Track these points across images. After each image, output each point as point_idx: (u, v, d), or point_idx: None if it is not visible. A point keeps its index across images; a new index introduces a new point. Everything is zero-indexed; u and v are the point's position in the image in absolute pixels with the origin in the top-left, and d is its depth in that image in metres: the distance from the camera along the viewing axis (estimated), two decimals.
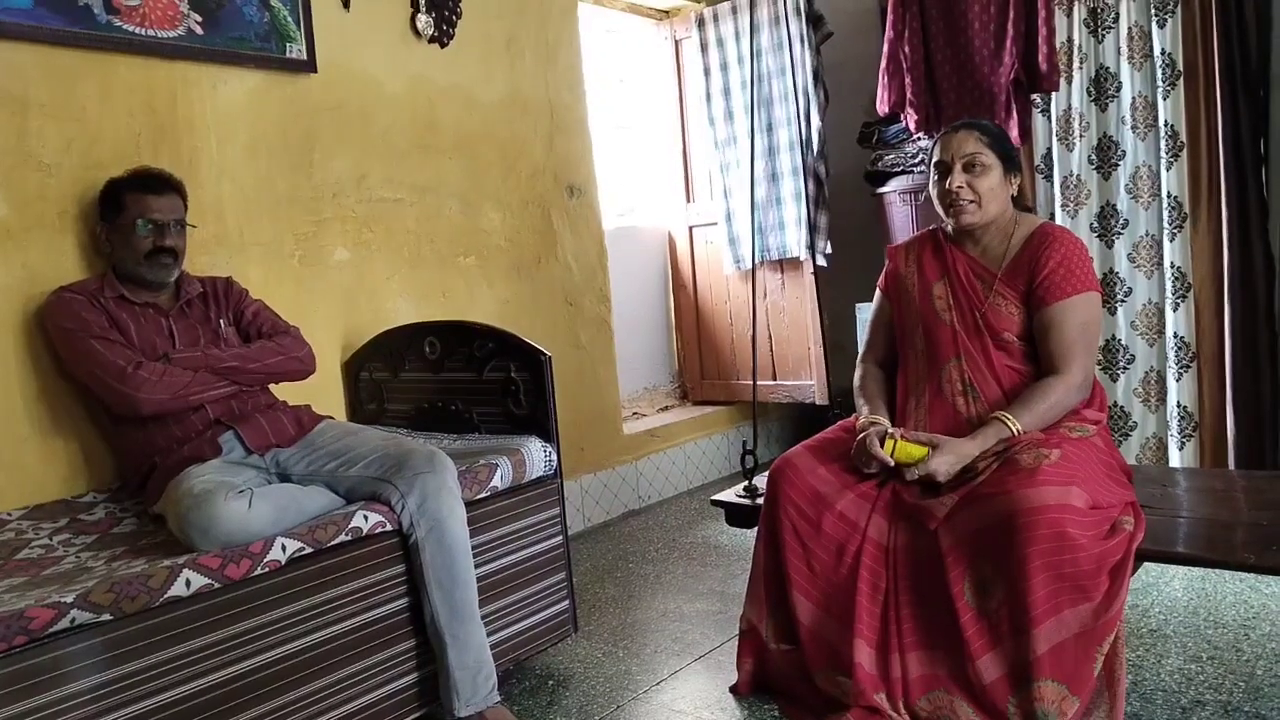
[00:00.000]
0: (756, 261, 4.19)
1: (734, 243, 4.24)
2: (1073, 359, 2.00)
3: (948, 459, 1.91)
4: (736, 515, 2.61)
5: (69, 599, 1.51)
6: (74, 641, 1.51)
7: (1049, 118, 3.40)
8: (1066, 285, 2.02)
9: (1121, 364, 3.33)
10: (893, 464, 1.96)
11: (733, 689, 2.17)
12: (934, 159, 2.13)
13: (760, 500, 2.18)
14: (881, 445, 1.97)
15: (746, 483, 2.66)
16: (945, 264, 2.16)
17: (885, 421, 2.09)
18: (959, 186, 2.06)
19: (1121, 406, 3.34)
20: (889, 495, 1.99)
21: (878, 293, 2.32)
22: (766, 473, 2.16)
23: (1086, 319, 2.03)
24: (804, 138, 3.86)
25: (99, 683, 1.54)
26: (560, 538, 2.39)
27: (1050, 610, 1.73)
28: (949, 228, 2.17)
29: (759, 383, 4.31)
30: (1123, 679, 1.75)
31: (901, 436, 1.98)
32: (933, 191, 2.15)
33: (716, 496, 2.69)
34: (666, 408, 4.50)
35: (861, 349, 2.34)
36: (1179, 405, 3.20)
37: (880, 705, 1.86)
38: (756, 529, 2.15)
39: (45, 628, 1.47)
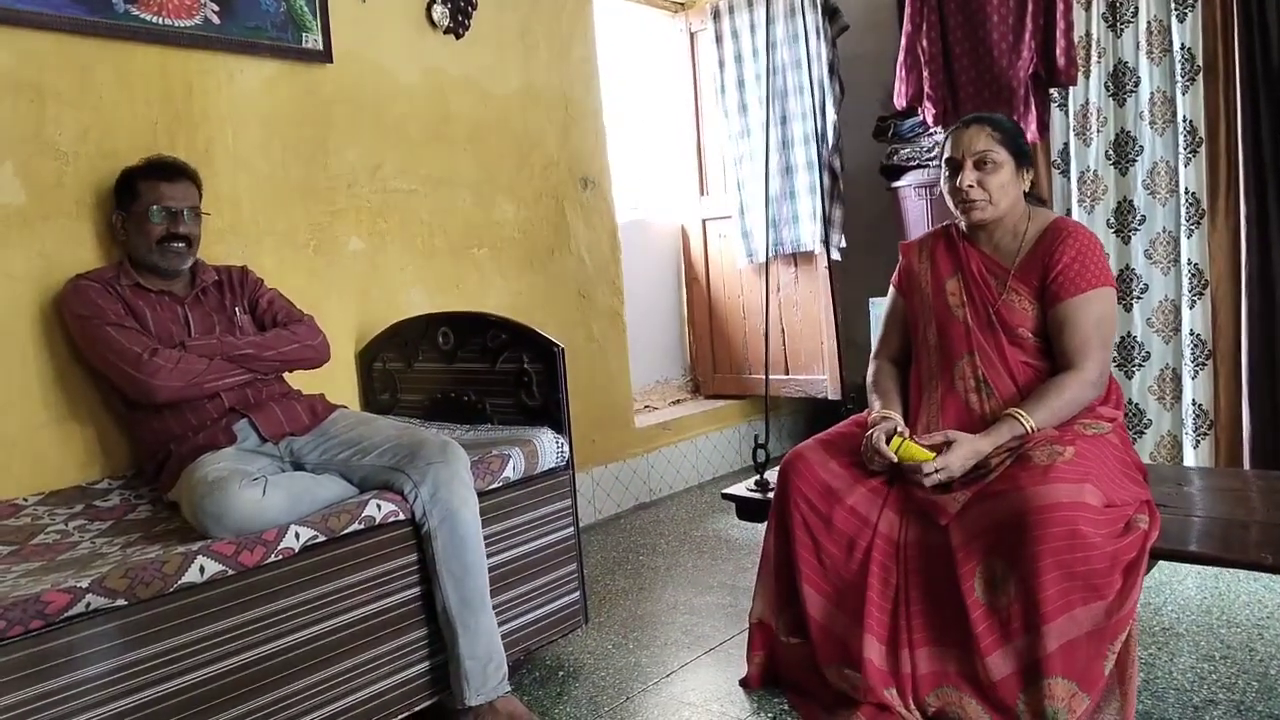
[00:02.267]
0: (771, 255, 4.18)
1: (748, 236, 4.23)
2: (1088, 355, 1.99)
3: (961, 453, 1.90)
4: (747, 509, 2.62)
5: (84, 584, 1.52)
6: (89, 626, 1.52)
7: (1066, 112, 3.38)
8: (1081, 280, 2.00)
9: (1137, 361, 3.31)
10: (896, 460, 1.95)
11: (743, 682, 2.17)
12: (945, 155, 2.11)
13: (771, 494, 2.17)
14: (888, 443, 1.96)
15: (758, 476, 2.67)
16: (958, 260, 2.14)
17: (897, 417, 2.07)
18: (969, 185, 2.04)
19: (1136, 404, 3.32)
20: (900, 490, 1.98)
21: (891, 289, 2.31)
22: (777, 466, 2.16)
23: (1101, 314, 2.01)
24: (819, 131, 3.84)
25: (113, 667, 1.55)
26: (571, 529, 2.39)
27: (1062, 608, 1.72)
28: (962, 224, 2.15)
29: (771, 377, 4.31)
30: (1134, 677, 1.74)
31: (913, 437, 1.96)
32: (944, 188, 2.13)
33: (728, 490, 2.70)
34: (678, 401, 4.51)
35: (875, 345, 2.33)
36: (1194, 403, 3.18)
37: (890, 701, 1.85)
38: (767, 522, 2.15)
39: (60, 612, 1.48)
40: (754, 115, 4.13)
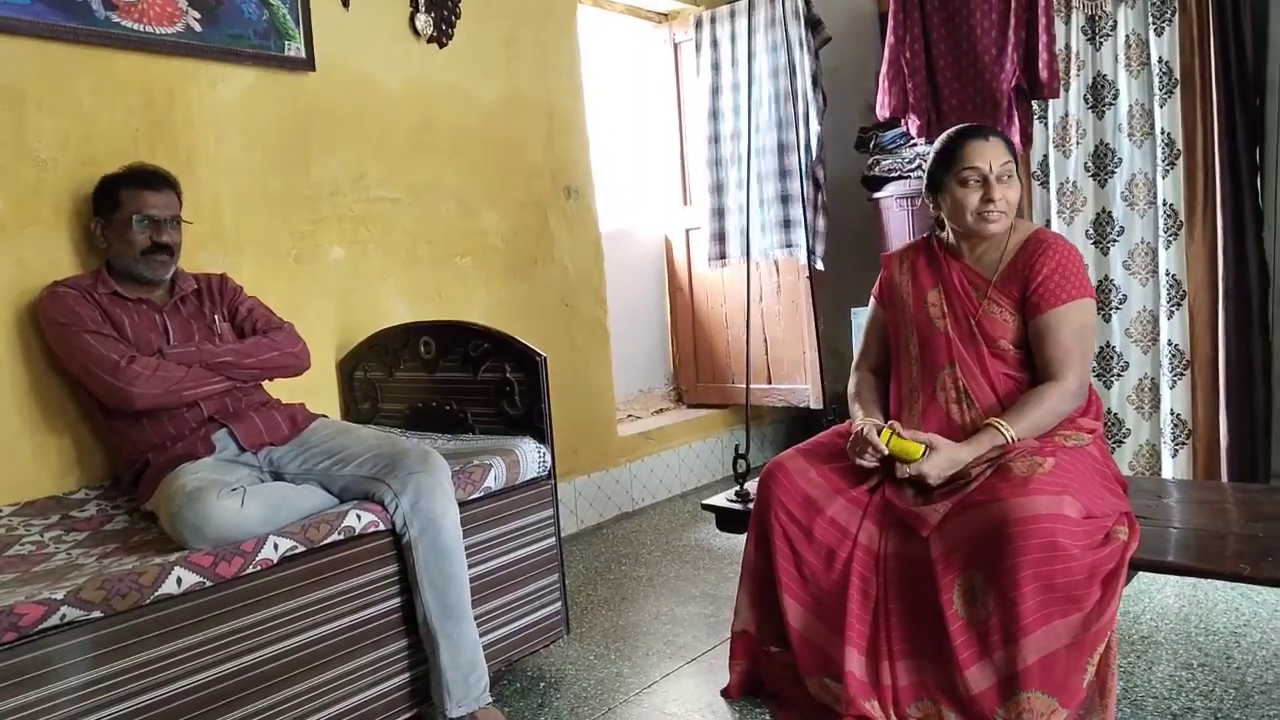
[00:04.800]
0: (752, 264, 4.18)
1: (725, 240, 4.21)
2: (1069, 366, 2.00)
3: (939, 461, 1.91)
4: (727, 520, 2.61)
5: (59, 595, 1.50)
6: (64, 638, 1.51)
7: (1046, 125, 3.41)
8: (1061, 292, 2.01)
9: (1115, 371, 3.34)
10: (886, 451, 1.95)
11: (724, 692, 2.17)
12: (965, 165, 2.02)
13: (751, 505, 2.18)
14: (878, 435, 1.97)
15: (738, 487, 2.67)
16: (940, 272, 2.15)
17: (881, 422, 2.08)
18: (1001, 198, 2.01)
19: (1115, 414, 3.34)
20: (880, 501, 1.98)
21: (872, 300, 2.31)
22: (758, 477, 2.16)
23: (1082, 325, 2.02)
24: (803, 141, 3.86)
25: (88, 680, 1.53)
26: (553, 539, 2.39)
27: (1041, 620, 1.72)
28: (947, 235, 2.16)
29: (753, 386, 4.31)
30: (1114, 690, 1.75)
31: (899, 434, 1.96)
32: (964, 200, 2.03)
33: (707, 501, 2.69)
34: (661, 410, 4.50)
35: (856, 356, 2.34)
36: (1172, 413, 3.21)
37: (872, 713, 1.85)
38: (747, 533, 2.15)
39: (35, 624, 1.47)
40: (732, 123, 4.14)
